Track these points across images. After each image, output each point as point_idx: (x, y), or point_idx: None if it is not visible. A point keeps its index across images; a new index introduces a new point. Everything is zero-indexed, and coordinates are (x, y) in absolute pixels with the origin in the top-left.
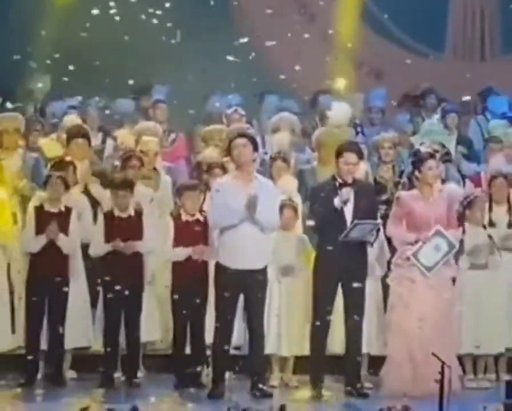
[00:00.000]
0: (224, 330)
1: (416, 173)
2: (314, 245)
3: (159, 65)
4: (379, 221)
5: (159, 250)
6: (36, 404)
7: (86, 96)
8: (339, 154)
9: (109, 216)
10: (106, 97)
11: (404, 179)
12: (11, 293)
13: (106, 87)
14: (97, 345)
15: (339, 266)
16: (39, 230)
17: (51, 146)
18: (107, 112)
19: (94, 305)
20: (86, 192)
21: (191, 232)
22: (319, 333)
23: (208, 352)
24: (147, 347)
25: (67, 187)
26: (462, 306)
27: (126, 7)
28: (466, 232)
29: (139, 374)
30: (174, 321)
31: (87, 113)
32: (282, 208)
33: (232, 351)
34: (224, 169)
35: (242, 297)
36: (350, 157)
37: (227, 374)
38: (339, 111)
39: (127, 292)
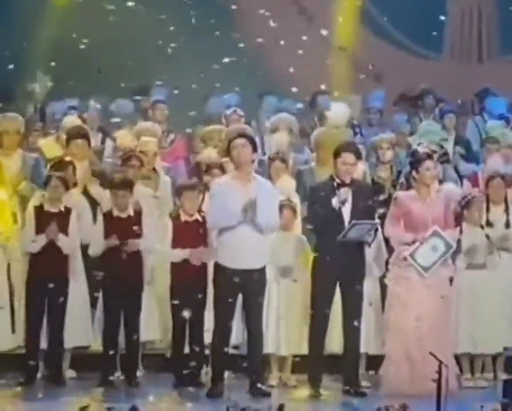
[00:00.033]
0: (223, 330)
1: (414, 173)
2: (312, 245)
3: (159, 66)
4: (377, 221)
5: (158, 250)
6: (36, 403)
7: (86, 96)
8: (337, 154)
9: (108, 216)
10: (105, 97)
11: (402, 179)
12: (11, 293)
13: (106, 87)
14: (96, 345)
15: (337, 266)
16: (39, 230)
17: (50, 146)
18: (107, 112)
19: (93, 305)
20: (85, 192)
21: (190, 232)
22: (317, 332)
23: (207, 351)
24: (146, 347)
25: (66, 187)
26: (459, 306)
27: (126, 8)
28: (464, 232)
29: (138, 373)
30: (173, 320)
31: (87, 113)
32: (280, 208)
33: (231, 351)
34: (223, 170)
35: (240, 296)
36: (348, 157)
37: (226, 374)
38: (338, 112)
39: (126, 292)
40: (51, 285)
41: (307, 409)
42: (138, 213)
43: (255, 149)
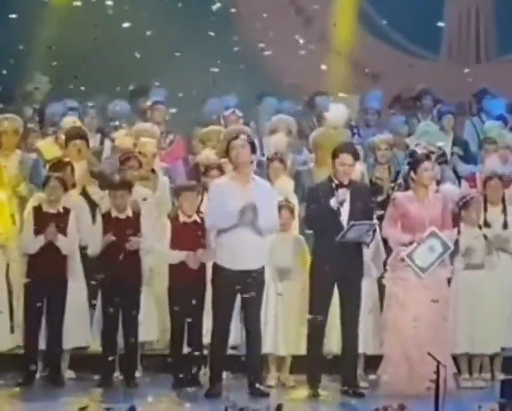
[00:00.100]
0: (221, 330)
1: (412, 174)
2: (310, 246)
3: (158, 67)
4: (375, 221)
5: (156, 250)
6: (35, 404)
7: (85, 97)
8: (335, 155)
9: (107, 217)
10: (104, 98)
11: (400, 180)
12: (10, 293)
13: (105, 88)
14: (95, 345)
15: (335, 267)
16: (38, 231)
17: (49, 147)
18: (107, 112)
19: (92, 305)
20: (84, 193)
21: (188, 233)
22: (316, 332)
23: (206, 352)
24: (145, 347)
25: (65, 188)
26: (457, 306)
27: (125, 8)
28: (461, 233)
29: (137, 374)
30: (171, 321)
31: (86, 114)
32: (278, 209)
33: (229, 351)
34: (222, 171)
35: (239, 297)
36: (346, 158)
37: (225, 374)
38: (336, 112)
39: (124, 292)
40: (50, 286)
41: (305, 409)
42: (137, 214)
43: (253, 150)
